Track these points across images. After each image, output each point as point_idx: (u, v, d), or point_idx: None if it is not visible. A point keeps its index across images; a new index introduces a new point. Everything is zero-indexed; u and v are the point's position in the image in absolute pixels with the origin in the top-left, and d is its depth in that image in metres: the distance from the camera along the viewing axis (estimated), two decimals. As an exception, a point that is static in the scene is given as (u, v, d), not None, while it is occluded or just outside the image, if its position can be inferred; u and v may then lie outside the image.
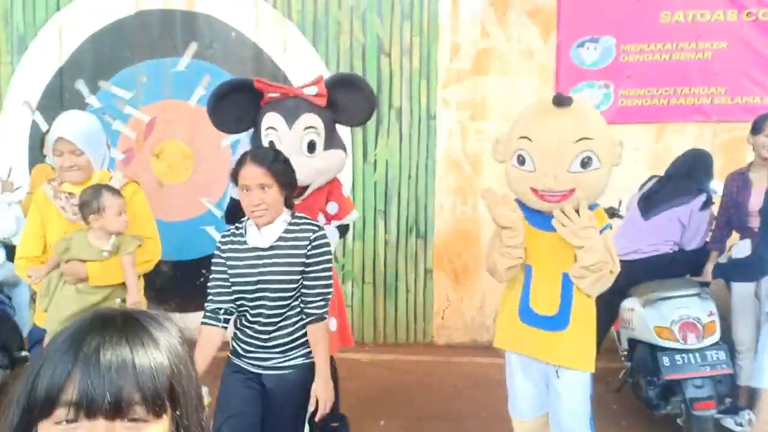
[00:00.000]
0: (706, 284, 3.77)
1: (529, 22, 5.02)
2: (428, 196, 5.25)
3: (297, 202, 3.14)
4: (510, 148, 2.60)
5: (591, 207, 2.54)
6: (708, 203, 3.84)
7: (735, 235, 3.90)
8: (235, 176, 2.45)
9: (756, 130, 3.72)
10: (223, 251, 2.54)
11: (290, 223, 2.50)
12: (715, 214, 3.94)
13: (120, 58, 5.34)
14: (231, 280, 2.51)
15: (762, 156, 3.70)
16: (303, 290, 2.49)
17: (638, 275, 3.73)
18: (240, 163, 2.45)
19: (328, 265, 2.52)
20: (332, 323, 3.29)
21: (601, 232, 2.51)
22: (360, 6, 5.15)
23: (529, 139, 2.49)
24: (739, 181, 3.78)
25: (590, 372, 2.63)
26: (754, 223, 3.64)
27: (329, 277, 2.53)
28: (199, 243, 5.38)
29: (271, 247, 2.46)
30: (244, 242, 2.50)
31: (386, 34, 5.16)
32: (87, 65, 5.37)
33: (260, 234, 2.46)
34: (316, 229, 2.51)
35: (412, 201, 5.26)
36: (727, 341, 3.65)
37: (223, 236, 2.58)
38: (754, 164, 3.77)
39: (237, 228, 2.59)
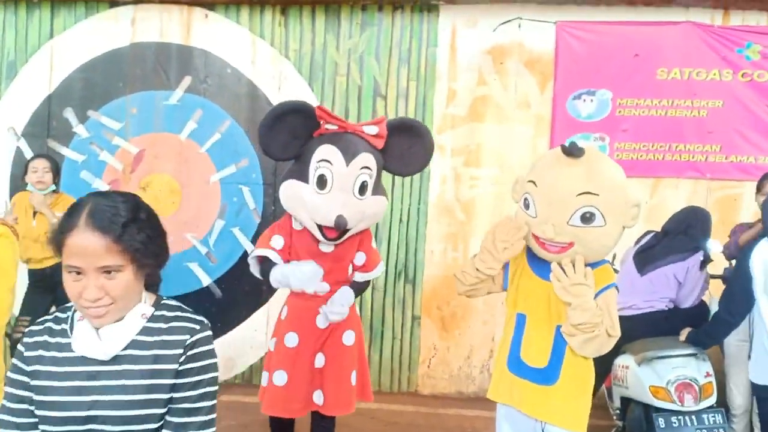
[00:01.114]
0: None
1: (526, 72, 5.04)
2: (419, 241, 5.17)
3: (328, 248, 3.03)
4: (521, 190, 2.53)
5: (598, 263, 2.47)
6: (705, 262, 3.81)
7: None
8: (58, 245, 1.51)
9: (758, 189, 3.73)
10: (28, 362, 1.54)
11: (152, 319, 1.57)
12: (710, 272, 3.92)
13: (111, 88, 5.27)
14: (39, 412, 1.50)
15: None
16: (166, 430, 1.53)
17: (632, 331, 3.65)
18: (67, 224, 1.49)
19: (211, 389, 1.56)
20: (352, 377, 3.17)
21: (603, 290, 2.43)
22: (358, 48, 5.15)
23: (535, 184, 2.43)
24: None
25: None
26: None
27: (212, 409, 1.56)
28: (181, 280, 5.25)
29: (116, 359, 1.51)
30: (69, 348, 1.53)
31: (383, 77, 5.14)
32: (77, 94, 5.29)
33: (98, 338, 1.51)
34: (197, 327, 1.58)
35: (402, 245, 5.19)
36: (722, 404, 3.59)
37: (30, 335, 1.59)
38: None
39: (57, 321, 1.61)
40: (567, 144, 2.39)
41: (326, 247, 3.03)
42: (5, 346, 4.51)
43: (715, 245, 3.95)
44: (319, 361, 3.08)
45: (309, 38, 5.18)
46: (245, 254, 5.19)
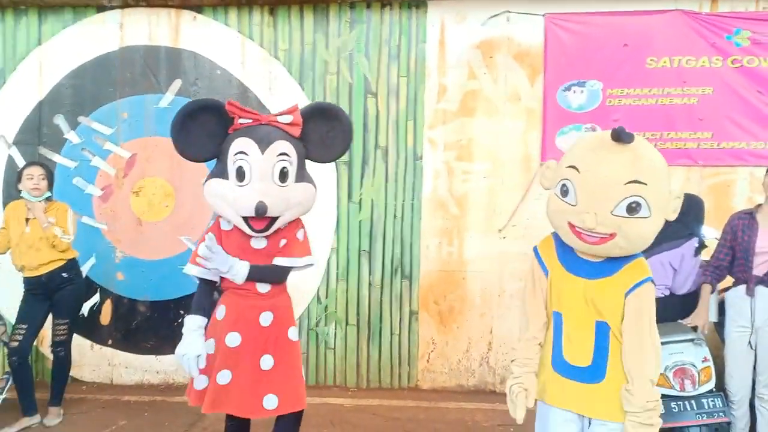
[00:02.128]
0: (696, 328, 3.73)
1: (515, 65, 5.04)
2: (414, 236, 5.18)
3: (260, 244, 2.98)
4: (557, 176, 2.42)
5: (632, 257, 2.38)
6: (700, 249, 3.82)
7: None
8: None
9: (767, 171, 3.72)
10: None
11: None
12: (707, 258, 3.92)
13: (101, 93, 5.26)
14: None
15: None
16: None
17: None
18: None
19: None
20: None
21: (637, 286, 2.33)
22: (347, 46, 5.15)
23: (577, 169, 2.30)
24: (746, 221, 3.72)
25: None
26: (758, 262, 3.62)
27: None
28: (177, 283, 5.24)
29: None
30: None
31: (373, 74, 5.15)
32: (67, 100, 5.27)
33: None
34: None
35: (397, 241, 5.19)
36: (720, 389, 3.60)
37: None
38: (763, 206, 3.73)
39: None
40: (616, 129, 2.26)
41: (257, 243, 2.99)
42: (2, 354, 4.51)
43: (709, 232, 3.96)
44: (267, 362, 3.01)
45: (298, 38, 5.17)
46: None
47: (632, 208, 2.22)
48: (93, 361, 5.38)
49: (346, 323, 5.24)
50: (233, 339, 2.99)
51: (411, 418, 4.64)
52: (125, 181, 5.28)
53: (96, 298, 5.32)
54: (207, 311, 3.01)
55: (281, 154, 2.90)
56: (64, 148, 5.29)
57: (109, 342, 5.37)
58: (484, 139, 5.09)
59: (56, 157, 5.27)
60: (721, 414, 3.34)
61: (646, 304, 2.33)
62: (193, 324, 2.94)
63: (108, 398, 5.03)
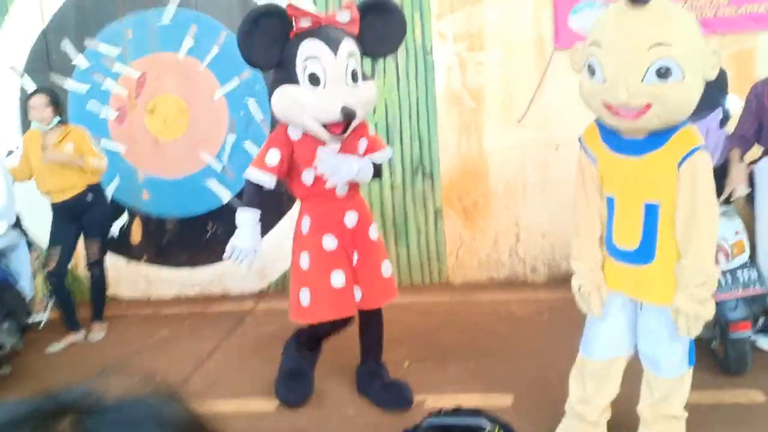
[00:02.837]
0: (728, 202, 3.67)
1: (522, -58, 4.78)
2: (431, 134, 5.09)
3: (336, 142, 3.01)
4: (582, 57, 2.30)
5: (679, 126, 2.26)
6: (725, 120, 3.71)
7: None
8: None
9: None
10: None
11: None
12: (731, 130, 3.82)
13: (104, 12, 5.15)
14: None
15: None
16: None
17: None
18: None
19: None
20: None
21: (688, 155, 2.22)
22: (347, -62, 4.91)
23: (599, 45, 2.19)
24: None
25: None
26: None
27: None
28: (201, 198, 5.30)
29: None
30: None
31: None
32: (71, 24, 5.18)
33: None
34: None
35: (415, 141, 5.12)
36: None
37: None
38: None
39: None
40: None
41: (333, 145, 3.01)
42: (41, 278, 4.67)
43: (734, 101, 3.83)
44: (354, 258, 3.17)
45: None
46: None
47: (662, 73, 2.11)
48: (129, 277, 5.49)
49: (372, 225, 5.26)
50: (329, 242, 3.11)
51: (446, 311, 4.69)
52: (138, 101, 5.25)
53: (125, 217, 5.40)
54: (260, 206, 3.08)
55: (350, 55, 2.90)
56: (74, 73, 5.24)
57: (144, 258, 5.46)
58: (494, 25, 4.90)
59: (68, 83, 5.24)
60: (756, 285, 3.26)
61: (701, 174, 2.23)
62: (247, 219, 3.02)
63: (148, 312, 5.18)
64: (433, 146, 5.10)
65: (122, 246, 5.44)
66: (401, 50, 4.95)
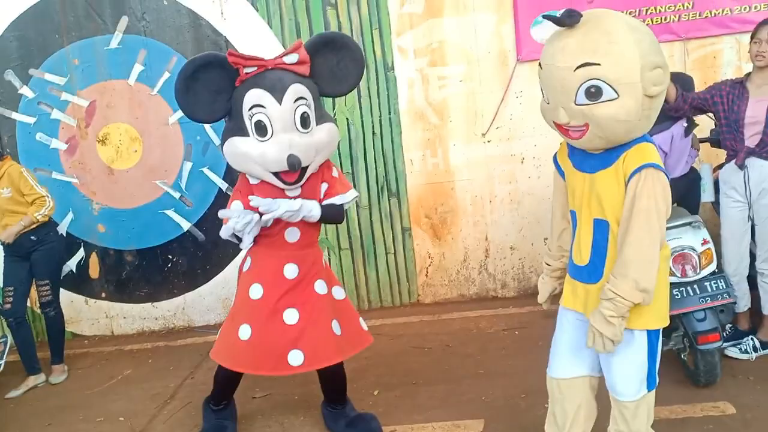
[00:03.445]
0: (695, 212, 3.62)
1: (479, -46, 4.72)
2: (396, 151, 4.99)
3: (295, 193, 2.88)
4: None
5: (631, 143, 2.14)
6: (690, 128, 3.65)
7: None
8: None
9: (753, 36, 3.44)
10: None
11: None
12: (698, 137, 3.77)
13: (48, 42, 4.99)
14: None
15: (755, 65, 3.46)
16: None
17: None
18: None
19: None
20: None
21: (634, 173, 2.10)
22: (299, -44, 4.81)
23: (540, 66, 2.17)
24: (735, 91, 3.50)
25: (639, 329, 2.25)
26: (749, 133, 3.45)
27: None
28: (160, 228, 5.14)
29: None
30: None
31: (330, -17, 4.84)
32: (14, 54, 5.02)
33: None
34: None
35: (379, 159, 5.01)
36: (723, 270, 3.52)
37: None
38: (752, 74, 3.51)
39: None
40: (561, 13, 2.03)
41: (292, 193, 2.89)
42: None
43: None
44: (291, 317, 2.94)
45: (246, -48, 4.84)
46: (220, 192, 5.04)
47: (592, 93, 2.02)
48: (90, 315, 5.34)
49: (339, 248, 5.14)
50: (256, 291, 2.93)
51: (416, 333, 4.63)
52: (88, 130, 5.08)
53: (81, 253, 5.22)
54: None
55: (298, 98, 2.76)
56: (20, 104, 5.05)
57: (103, 295, 5.30)
58: (456, 39, 4.82)
59: (14, 115, 5.06)
60: (725, 295, 3.24)
61: (645, 192, 2.10)
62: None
63: (111, 350, 5.04)
64: (398, 164, 5.00)
65: (81, 282, 5.28)
66: (360, 68, 4.86)
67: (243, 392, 3.84)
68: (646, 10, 4.60)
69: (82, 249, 5.22)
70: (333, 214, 2.98)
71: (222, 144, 2.87)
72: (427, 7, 4.79)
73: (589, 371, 2.44)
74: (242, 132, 2.77)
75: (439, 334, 4.53)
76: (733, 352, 3.57)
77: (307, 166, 2.80)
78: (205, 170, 5.03)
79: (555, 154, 2.47)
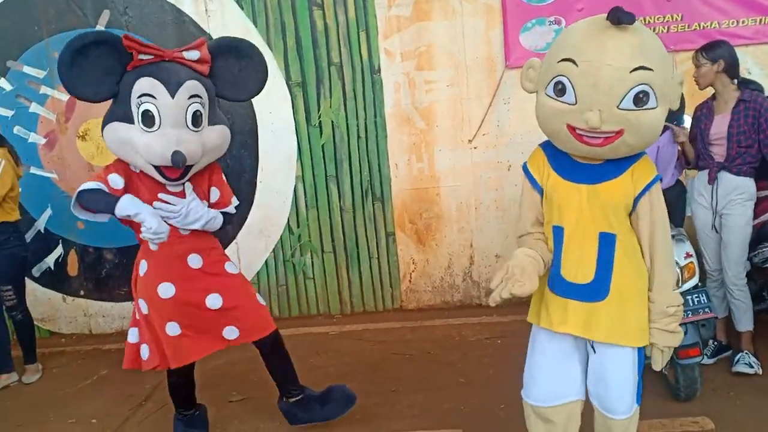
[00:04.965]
0: (679, 225, 3.60)
1: (470, -41, 4.67)
2: (381, 155, 4.94)
3: (177, 189, 2.80)
4: (548, 74, 2.10)
5: (640, 154, 2.13)
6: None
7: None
8: None
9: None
10: None
11: None
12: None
13: (27, 34, 4.90)
14: None
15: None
16: None
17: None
18: None
19: None
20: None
21: (650, 186, 2.10)
22: (288, -46, 4.74)
23: (575, 62, 2.00)
24: (704, 110, 3.62)
25: (636, 347, 2.23)
26: (715, 151, 3.54)
27: None
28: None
29: None
30: None
31: (317, -17, 4.78)
32: (-9, 46, 4.92)
33: None
34: None
35: (364, 162, 4.95)
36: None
37: None
38: (717, 93, 3.59)
39: None
40: (614, 9, 1.94)
41: (174, 188, 2.81)
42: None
43: (688, 120, 3.76)
44: (215, 301, 2.90)
45: (233, -51, 4.77)
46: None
47: (640, 99, 1.96)
48: (68, 313, 5.26)
49: (322, 251, 5.08)
50: (166, 289, 2.85)
51: (398, 339, 4.58)
52: (68, 125, 5.00)
53: (59, 250, 5.13)
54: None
55: (193, 96, 2.69)
56: (-2, 96, 4.97)
57: (81, 293, 5.22)
58: (444, 43, 4.77)
59: (-8, 107, 4.95)
60: (706, 310, 3.24)
61: (659, 206, 2.13)
62: (128, 202, 2.62)
63: (88, 349, 4.97)
64: (383, 168, 4.95)
65: (59, 279, 5.19)
66: (347, 70, 4.82)
67: (221, 396, 3.83)
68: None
69: (60, 246, 5.14)
70: (222, 222, 2.97)
71: (103, 126, 2.75)
72: (416, 10, 4.74)
73: (577, 396, 2.35)
74: (127, 119, 2.67)
75: (422, 341, 4.49)
76: (742, 368, 3.51)
77: (191, 165, 2.73)
78: (187, 168, 4.95)
79: (525, 164, 2.35)
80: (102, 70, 2.64)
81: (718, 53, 3.44)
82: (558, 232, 2.24)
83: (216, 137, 2.81)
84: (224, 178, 3.03)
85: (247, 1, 4.80)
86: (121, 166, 2.80)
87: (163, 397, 3.94)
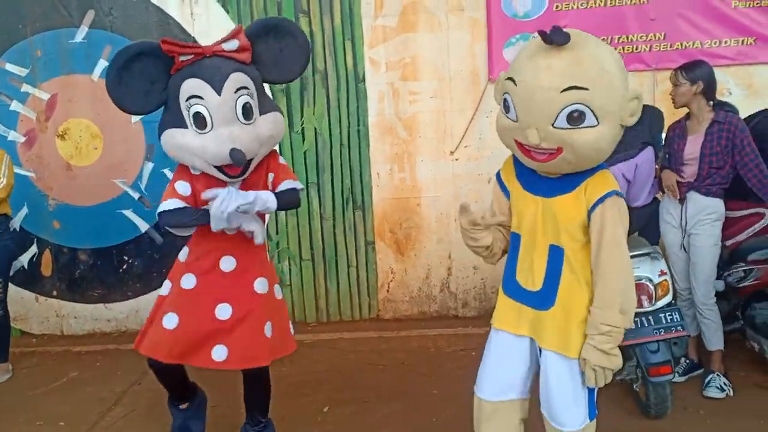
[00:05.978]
0: (654, 243, 3.63)
1: (456, -28, 4.71)
2: (363, 164, 4.94)
3: (237, 181, 2.75)
4: (500, 90, 2.17)
5: (594, 170, 2.15)
6: (657, 158, 3.68)
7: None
8: None
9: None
10: None
11: None
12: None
13: (11, 31, 4.85)
14: None
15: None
16: None
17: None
18: None
19: None
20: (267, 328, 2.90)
21: (601, 201, 2.11)
22: (274, -39, 4.75)
23: (514, 81, 2.06)
24: (677, 131, 3.65)
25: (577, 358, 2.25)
26: (687, 172, 3.57)
27: None
28: (117, 228, 5.02)
29: None
30: None
31: (303, -10, 4.78)
32: (-26, 42, 4.87)
33: None
34: None
35: (346, 171, 4.95)
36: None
37: None
38: (690, 113, 3.63)
39: None
40: (549, 30, 1.97)
41: (236, 184, 2.77)
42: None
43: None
44: (223, 312, 2.79)
45: (220, -47, 4.78)
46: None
47: (574, 118, 1.97)
48: (40, 313, 5.19)
49: (300, 258, 5.06)
50: (188, 281, 2.81)
51: (373, 349, 4.57)
52: (48, 124, 4.95)
53: (34, 249, 5.08)
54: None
55: (240, 88, 2.61)
56: (-22, 93, 4.93)
57: (54, 293, 5.16)
58: (429, 55, 4.79)
59: (-28, 103, 4.91)
60: (678, 328, 3.26)
61: (610, 221, 2.11)
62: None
63: (59, 350, 4.91)
64: (365, 177, 4.95)
65: (32, 278, 5.14)
66: (332, 78, 4.83)
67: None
68: (618, 38, 4.62)
69: (35, 245, 5.08)
70: (288, 201, 2.84)
71: (159, 135, 2.72)
72: (402, 21, 4.76)
73: (519, 395, 2.39)
74: (180, 123, 2.62)
75: (397, 351, 4.48)
76: (713, 392, 3.53)
77: (251, 159, 2.69)
78: (167, 171, 4.91)
79: (498, 172, 2.42)
80: (148, 81, 2.61)
81: (698, 74, 3.48)
82: (515, 238, 2.33)
83: (270, 127, 2.73)
84: (284, 161, 2.93)
85: (232, 4, 4.79)
86: (182, 173, 2.76)
87: (132, 402, 3.93)
